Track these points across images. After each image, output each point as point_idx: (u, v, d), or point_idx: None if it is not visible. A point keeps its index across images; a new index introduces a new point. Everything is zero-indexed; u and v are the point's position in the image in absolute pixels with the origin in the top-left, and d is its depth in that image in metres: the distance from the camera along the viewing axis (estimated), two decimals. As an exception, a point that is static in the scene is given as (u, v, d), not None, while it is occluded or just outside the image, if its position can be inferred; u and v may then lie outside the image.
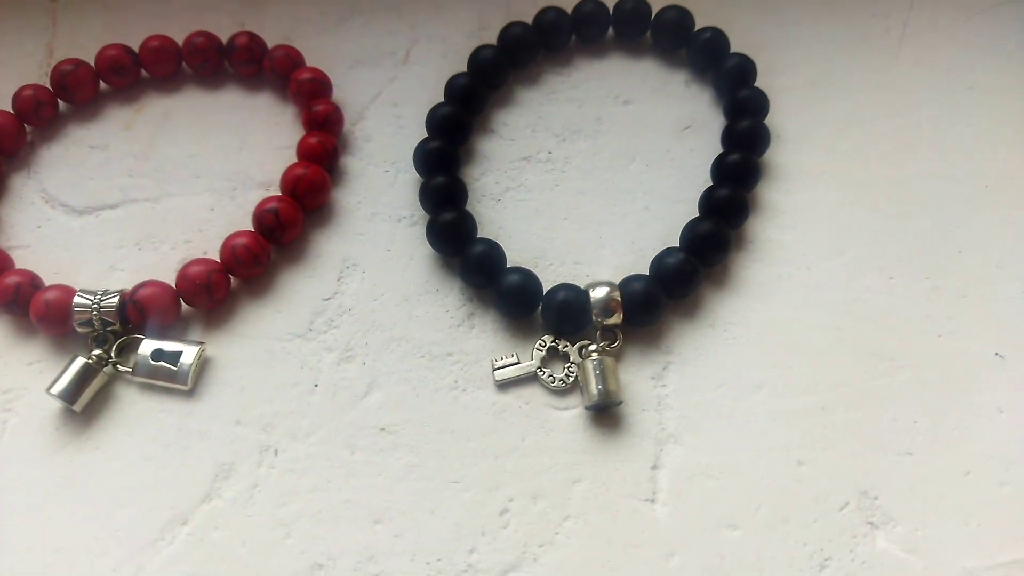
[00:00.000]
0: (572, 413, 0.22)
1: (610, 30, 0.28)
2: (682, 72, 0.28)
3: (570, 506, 0.20)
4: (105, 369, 0.21)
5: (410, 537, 0.20)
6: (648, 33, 0.28)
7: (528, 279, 0.22)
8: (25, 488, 0.20)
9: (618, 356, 0.22)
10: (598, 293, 0.22)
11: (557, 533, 0.20)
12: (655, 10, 0.28)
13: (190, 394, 0.21)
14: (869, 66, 0.27)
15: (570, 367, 0.22)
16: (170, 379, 0.21)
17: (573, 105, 0.27)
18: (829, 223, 0.24)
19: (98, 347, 0.21)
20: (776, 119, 0.26)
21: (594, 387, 0.21)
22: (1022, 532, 0.20)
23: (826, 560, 0.20)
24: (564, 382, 0.22)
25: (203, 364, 0.22)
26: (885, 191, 0.25)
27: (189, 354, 0.21)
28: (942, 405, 0.22)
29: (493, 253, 0.23)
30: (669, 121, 0.27)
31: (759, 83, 0.26)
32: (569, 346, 0.22)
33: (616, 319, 0.22)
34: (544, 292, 0.22)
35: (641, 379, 0.22)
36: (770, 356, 0.22)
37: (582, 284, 0.22)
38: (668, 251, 0.23)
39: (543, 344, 0.22)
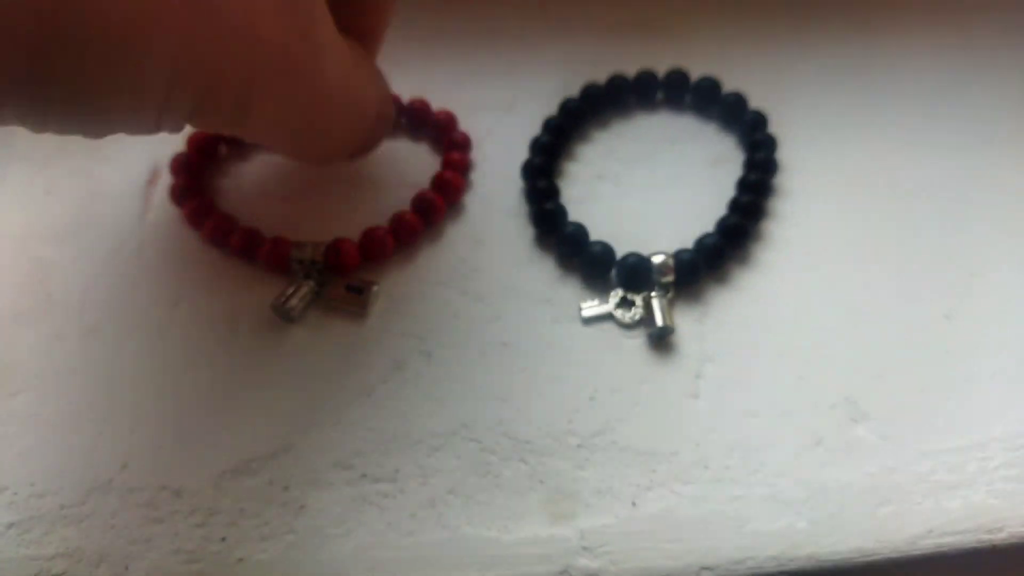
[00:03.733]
0: (638, 341, 0.30)
1: (660, 93, 0.38)
2: (714, 123, 0.38)
3: (639, 397, 0.29)
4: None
5: (527, 410, 0.28)
6: (688, 96, 0.38)
7: (607, 248, 0.31)
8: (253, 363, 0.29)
9: (671, 304, 0.31)
10: (657, 259, 0.31)
11: (630, 413, 0.28)
12: (693, 78, 0.38)
13: (368, 316, 0.30)
14: (850, 122, 0.37)
15: (636, 310, 0.31)
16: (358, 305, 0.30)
17: (634, 143, 0.37)
18: (822, 226, 0.34)
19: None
20: (785, 155, 0.36)
21: (657, 319, 0.30)
22: (962, 431, 0.28)
23: (820, 439, 0.28)
24: (632, 319, 0.30)
25: (377, 295, 0.31)
26: (867, 206, 0.34)
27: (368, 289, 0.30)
28: (904, 347, 0.30)
29: (580, 231, 0.32)
30: (705, 156, 0.36)
31: (771, 130, 0.36)
32: (636, 295, 0.31)
33: (669, 278, 0.31)
34: (618, 258, 0.31)
35: (687, 321, 0.31)
36: (779, 311, 0.31)
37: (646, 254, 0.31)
38: (707, 235, 0.32)
39: (616, 294, 0.31)
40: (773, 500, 0.26)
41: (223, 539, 0.25)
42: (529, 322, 0.30)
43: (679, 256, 0.31)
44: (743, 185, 0.34)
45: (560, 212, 0.32)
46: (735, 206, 0.33)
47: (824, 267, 0.32)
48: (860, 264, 0.32)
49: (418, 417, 0.28)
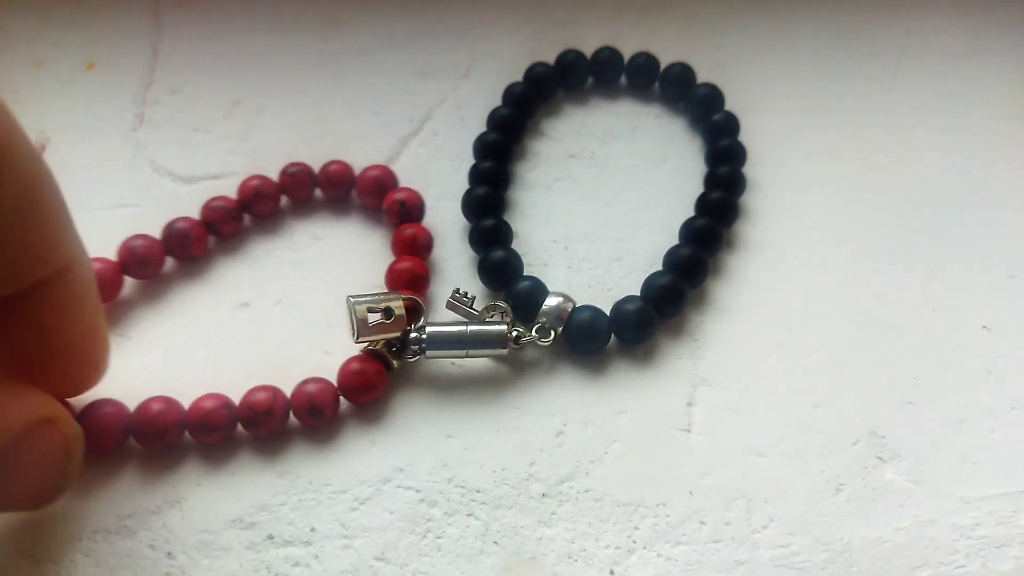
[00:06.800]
0: (619, 361, 0.25)
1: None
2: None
3: (616, 432, 0.23)
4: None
5: (478, 449, 0.23)
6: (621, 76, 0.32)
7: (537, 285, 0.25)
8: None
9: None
10: (552, 301, 0.24)
11: (606, 452, 0.23)
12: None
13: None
14: (864, 92, 0.32)
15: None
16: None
17: (612, 116, 0.31)
18: (830, 217, 0.28)
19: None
20: (752, 137, 0.30)
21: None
22: (1010, 471, 0.23)
23: (841, 485, 0.22)
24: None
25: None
26: (881, 193, 0.29)
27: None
28: (938, 366, 0.25)
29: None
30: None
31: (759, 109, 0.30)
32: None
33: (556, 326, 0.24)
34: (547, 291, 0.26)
35: (677, 335, 0.25)
36: (787, 322, 0.26)
37: (623, 258, 0.26)
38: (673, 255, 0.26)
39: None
40: (785, 565, 0.21)
41: (84, 623, 0.20)
42: (484, 336, 0.25)
43: (621, 307, 0.25)
44: (710, 183, 0.28)
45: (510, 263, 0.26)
46: (702, 206, 0.27)
47: (836, 269, 0.27)
48: (881, 263, 0.27)
49: (341, 460, 0.22)
